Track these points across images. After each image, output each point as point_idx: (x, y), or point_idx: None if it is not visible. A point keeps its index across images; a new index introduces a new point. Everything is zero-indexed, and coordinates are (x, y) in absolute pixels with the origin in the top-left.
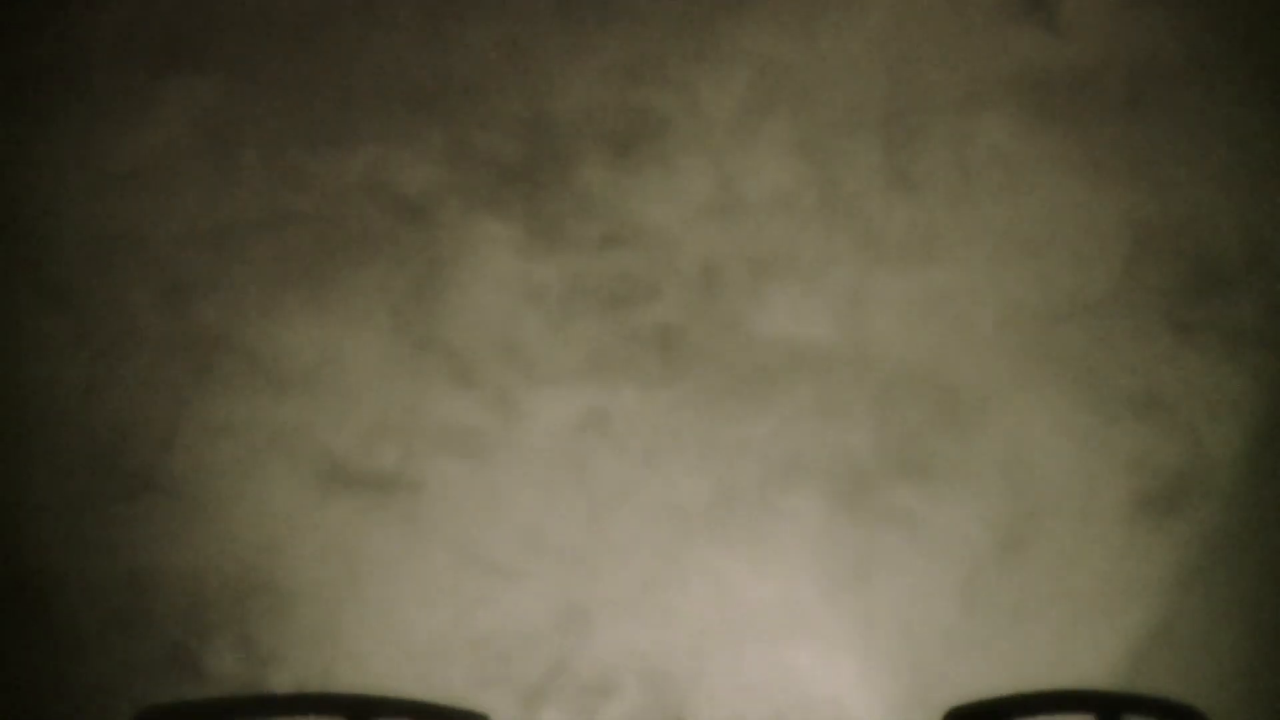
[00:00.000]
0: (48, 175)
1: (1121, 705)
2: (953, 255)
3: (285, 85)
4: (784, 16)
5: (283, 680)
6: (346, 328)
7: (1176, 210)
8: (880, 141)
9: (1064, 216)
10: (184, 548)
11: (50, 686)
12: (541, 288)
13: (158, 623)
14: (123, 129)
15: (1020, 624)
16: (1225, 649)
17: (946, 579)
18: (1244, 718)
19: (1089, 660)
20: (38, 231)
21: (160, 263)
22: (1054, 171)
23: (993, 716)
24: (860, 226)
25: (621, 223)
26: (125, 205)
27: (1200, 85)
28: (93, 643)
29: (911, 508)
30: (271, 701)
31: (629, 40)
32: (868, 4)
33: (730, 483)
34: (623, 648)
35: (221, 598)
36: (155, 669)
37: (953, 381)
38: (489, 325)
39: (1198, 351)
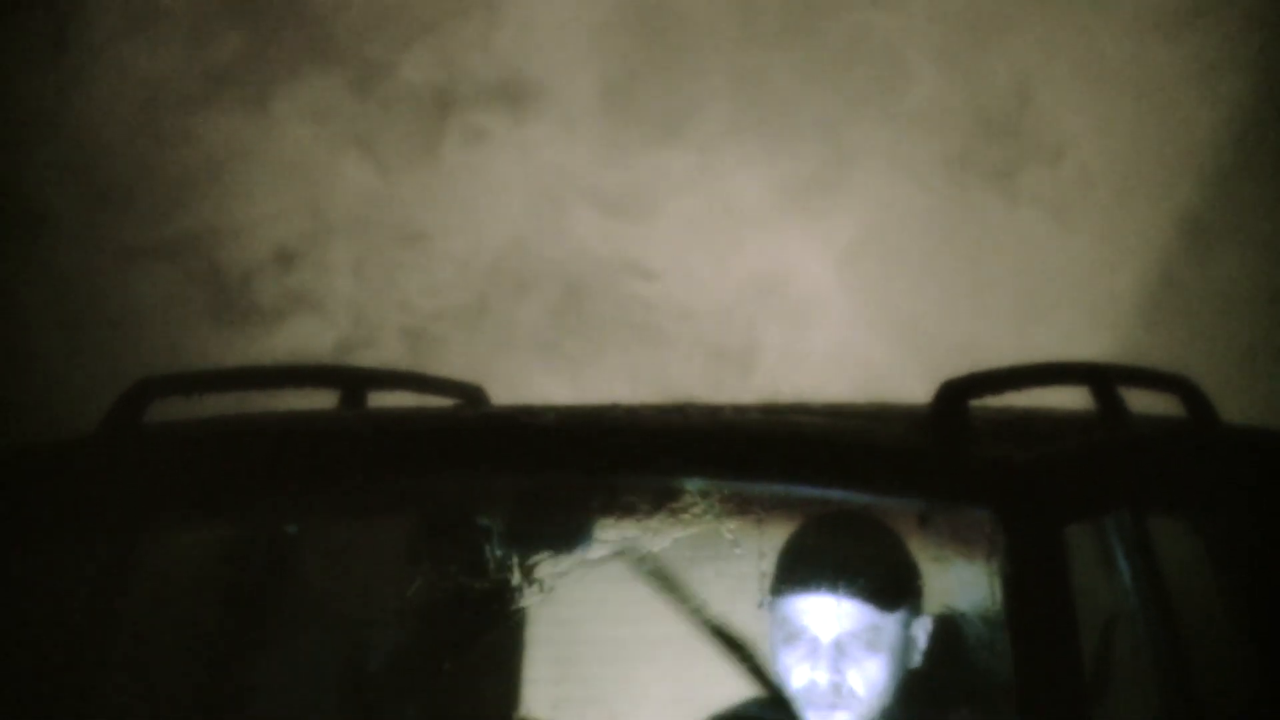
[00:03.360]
0: None
1: (1115, 376)
2: None
3: None
4: None
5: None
6: None
7: None
8: None
9: None
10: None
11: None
12: None
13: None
14: None
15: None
16: (1216, 324)
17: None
18: (1236, 391)
19: (1083, 336)
20: None
21: None
22: None
23: (987, 387)
24: None
25: None
26: None
27: None
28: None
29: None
30: (268, 373)
31: None
32: None
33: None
34: (606, 244)
35: None
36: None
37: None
38: None
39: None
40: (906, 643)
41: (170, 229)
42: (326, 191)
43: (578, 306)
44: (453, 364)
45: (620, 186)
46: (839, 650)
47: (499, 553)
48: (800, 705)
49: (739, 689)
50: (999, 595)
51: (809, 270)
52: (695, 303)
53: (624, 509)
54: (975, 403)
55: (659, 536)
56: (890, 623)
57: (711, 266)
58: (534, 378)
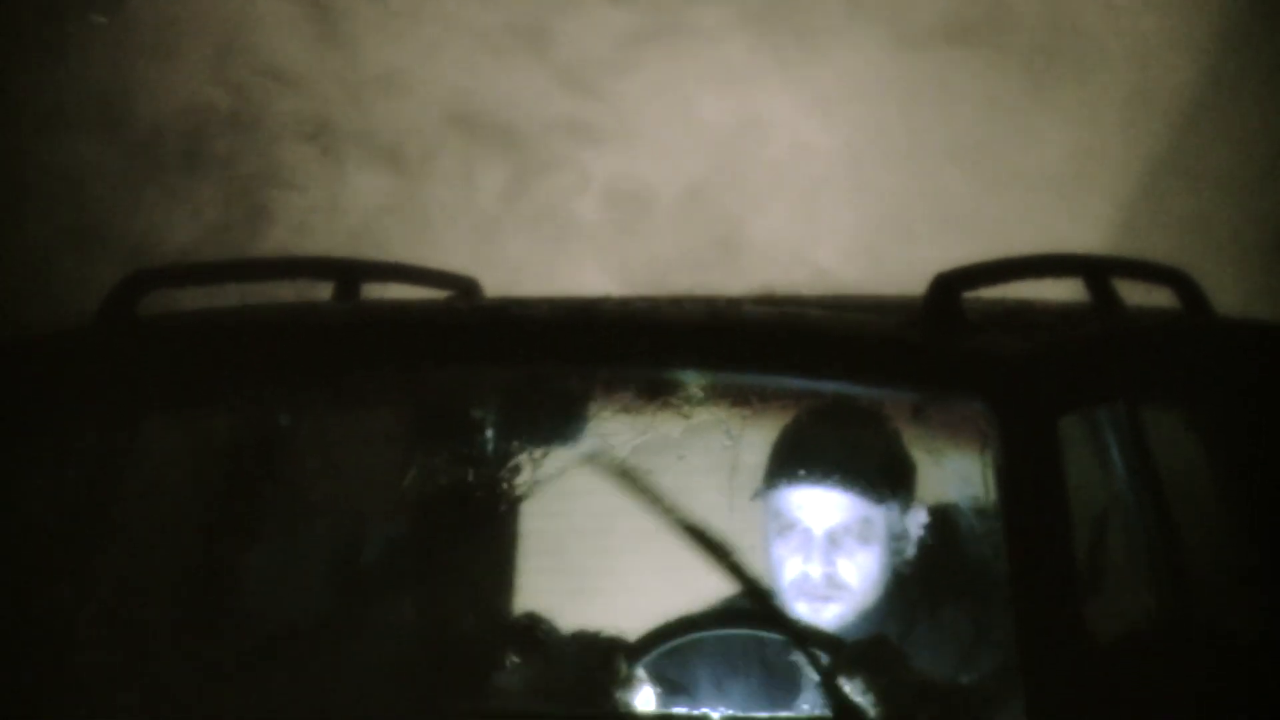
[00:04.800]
0: None
1: (1109, 268)
2: None
3: None
4: None
5: None
6: None
7: None
8: None
9: None
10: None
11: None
12: None
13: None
14: None
15: (1011, 192)
16: (1210, 218)
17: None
18: (1227, 282)
19: (1077, 228)
20: None
21: None
22: None
23: (981, 279)
24: None
25: None
26: None
27: None
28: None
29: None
30: (261, 265)
31: None
32: None
33: None
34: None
35: None
36: None
37: None
38: None
39: None
40: (899, 535)
41: (103, 93)
42: (265, 50)
43: (533, 181)
44: (395, 241)
45: (577, 49)
46: (832, 542)
47: (492, 444)
48: (792, 597)
49: (732, 581)
50: (992, 487)
51: (786, 139)
52: (665, 178)
53: (618, 401)
54: (969, 295)
55: (653, 428)
56: (883, 515)
57: (683, 136)
58: (492, 264)
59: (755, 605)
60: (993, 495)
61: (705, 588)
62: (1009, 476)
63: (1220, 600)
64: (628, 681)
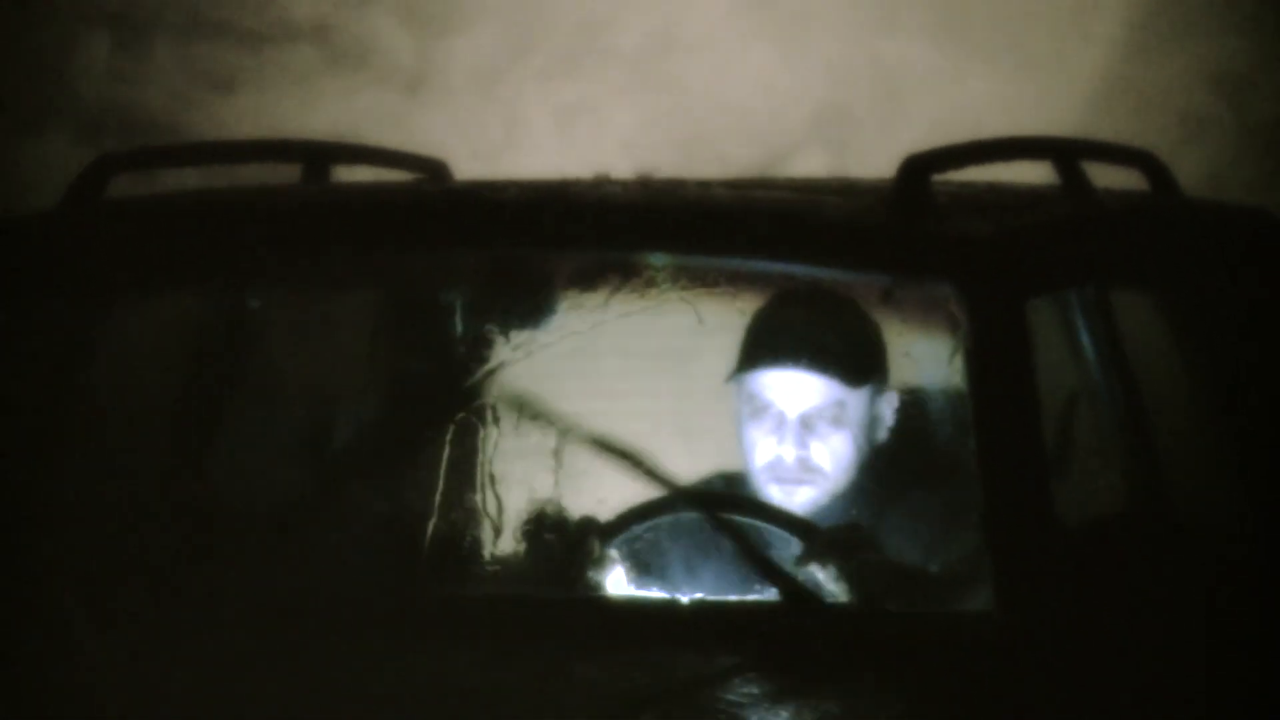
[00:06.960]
0: None
1: (1078, 151)
2: None
3: None
4: None
5: None
6: None
7: None
8: None
9: None
10: None
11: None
12: None
13: None
14: None
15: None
16: (1179, 100)
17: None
18: (1195, 163)
19: (1046, 110)
20: None
21: None
22: None
23: (950, 162)
24: None
25: None
26: None
27: None
28: None
29: None
30: (229, 147)
31: None
32: None
33: None
34: None
35: None
36: None
37: None
38: None
39: None
40: (872, 418)
41: None
42: None
43: (472, 34)
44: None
45: None
46: (805, 425)
47: (461, 328)
48: (765, 481)
49: (704, 463)
50: (961, 370)
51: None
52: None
53: (588, 284)
54: (938, 178)
55: (624, 312)
56: (856, 398)
57: None
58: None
59: (728, 488)
60: (962, 378)
61: (678, 470)
62: (978, 359)
63: (1188, 483)
64: (600, 563)
